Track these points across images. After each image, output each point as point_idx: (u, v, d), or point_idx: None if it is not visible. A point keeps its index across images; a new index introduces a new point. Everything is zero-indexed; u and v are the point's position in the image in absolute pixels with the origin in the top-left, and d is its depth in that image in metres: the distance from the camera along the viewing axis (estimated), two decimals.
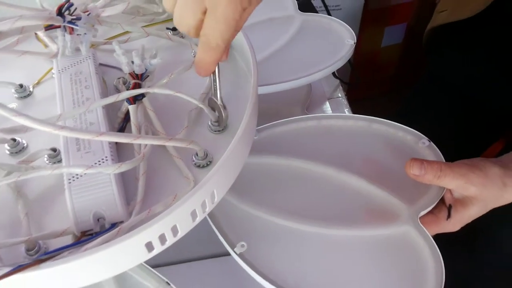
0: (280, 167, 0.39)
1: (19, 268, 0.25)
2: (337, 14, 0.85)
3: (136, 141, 0.29)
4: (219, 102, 0.34)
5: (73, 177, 0.30)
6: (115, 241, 0.26)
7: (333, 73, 0.65)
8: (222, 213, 0.36)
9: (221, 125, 0.34)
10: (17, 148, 0.35)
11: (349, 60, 0.62)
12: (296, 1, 0.57)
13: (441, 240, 0.38)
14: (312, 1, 0.69)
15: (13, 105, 0.39)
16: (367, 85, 0.94)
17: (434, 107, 0.59)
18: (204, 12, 0.28)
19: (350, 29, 0.52)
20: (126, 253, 0.27)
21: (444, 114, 0.57)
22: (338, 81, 0.64)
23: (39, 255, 0.28)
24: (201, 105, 0.34)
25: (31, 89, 0.40)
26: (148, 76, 0.37)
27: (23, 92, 0.40)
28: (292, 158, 0.40)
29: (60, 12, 0.33)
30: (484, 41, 0.57)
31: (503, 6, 0.54)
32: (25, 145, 0.35)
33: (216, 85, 0.34)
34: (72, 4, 0.33)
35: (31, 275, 0.25)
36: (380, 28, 0.97)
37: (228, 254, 0.35)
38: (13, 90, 0.40)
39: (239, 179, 0.32)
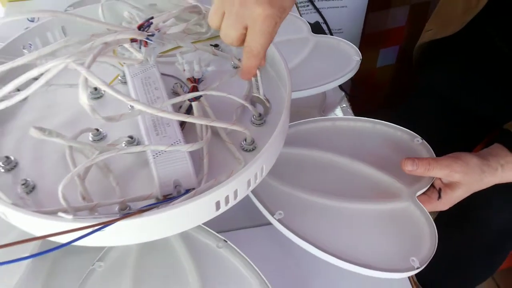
0: (304, 156, 0.49)
1: (128, 214, 0.33)
2: (339, 37, 0.96)
3: (211, 123, 0.38)
4: (262, 97, 0.43)
5: (156, 154, 0.39)
6: (194, 199, 0.35)
7: (339, 86, 0.76)
8: (262, 189, 0.45)
9: (264, 117, 0.43)
10: (99, 137, 0.44)
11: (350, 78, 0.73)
12: (309, 25, 0.67)
13: (436, 223, 0.47)
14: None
15: (91, 103, 0.48)
16: (365, 101, 1.05)
17: (424, 112, 0.69)
18: (245, 28, 0.38)
19: (356, 47, 0.62)
20: (201, 209, 0.36)
21: (433, 119, 0.67)
22: (343, 93, 0.74)
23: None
24: (246, 104, 0.44)
25: (102, 92, 0.49)
26: (203, 81, 0.47)
27: (97, 94, 0.49)
28: (314, 149, 0.49)
29: (140, 29, 0.43)
30: (464, 55, 0.68)
31: (477, 26, 0.65)
32: (105, 134, 0.44)
33: (258, 84, 0.43)
34: (151, 24, 0.43)
35: (135, 221, 0.34)
36: (375, 50, 1.09)
37: (267, 224, 0.44)
38: (89, 92, 0.49)
39: (274, 164, 0.42)
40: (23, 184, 0.39)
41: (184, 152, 0.39)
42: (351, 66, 0.60)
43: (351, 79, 0.90)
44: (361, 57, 0.61)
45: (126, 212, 0.36)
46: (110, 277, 0.40)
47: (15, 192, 0.38)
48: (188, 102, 0.45)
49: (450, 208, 0.48)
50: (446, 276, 0.70)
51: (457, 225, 0.63)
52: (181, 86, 0.49)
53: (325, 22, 0.87)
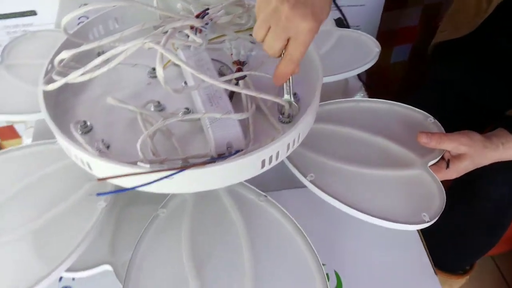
0: (331, 131, 0.57)
1: (193, 165, 0.41)
2: None
3: (260, 95, 0.46)
4: (292, 100, 0.50)
5: (212, 121, 0.47)
6: (244, 156, 0.43)
7: (358, 77, 0.83)
8: (295, 156, 0.53)
9: (293, 117, 0.50)
10: (159, 108, 0.52)
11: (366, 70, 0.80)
12: (334, 20, 0.75)
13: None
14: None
15: (149, 81, 0.56)
16: (379, 93, 1.13)
17: (434, 103, 0.76)
18: (287, 39, 0.43)
19: (375, 40, 0.70)
20: (249, 165, 0.44)
21: (443, 109, 0.75)
22: (361, 83, 0.82)
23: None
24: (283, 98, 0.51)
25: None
26: (246, 64, 0.55)
27: (155, 73, 0.57)
28: (339, 125, 0.57)
29: (198, 18, 0.51)
30: (475, 54, 0.75)
31: (487, 29, 0.72)
32: (164, 106, 0.52)
33: (289, 89, 0.50)
34: (206, 14, 0.51)
35: (197, 171, 0.41)
36: (389, 47, 1.16)
37: (301, 186, 0.52)
38: (147, 71, 0.57)
39: (306, 135, 0.50)
40: (102, 143, 0.47)
41: (235, 120, 0.47)
42: (371, 56, 0.67)
43: (367, 72, 0.98)
44: (380, 49, 0.68)
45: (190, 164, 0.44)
46: (171, 223, 0.48)
47: (95, 148, 0.46)
48: (235, 81, 0.53)
49: (453, 182, 0.55)
50: (449, 247, 0.77)
51: (459, 199, 0.71)
52: (227, 69, 0.57)
53: (345, 19, 0.94)
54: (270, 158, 0.45)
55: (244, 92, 0.46)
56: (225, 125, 0.47)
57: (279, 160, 0.46)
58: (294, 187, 0.55)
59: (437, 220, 0.79)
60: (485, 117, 0.76)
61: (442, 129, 0.57)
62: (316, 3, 0.41)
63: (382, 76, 1.19)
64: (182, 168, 0.41)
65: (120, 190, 0.41)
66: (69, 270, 0.45)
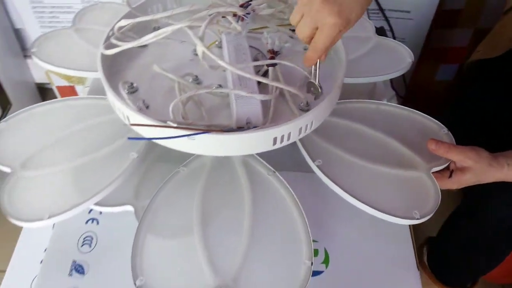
0: (346, 126, 0.61)
1: (213, 130, 0.48)
2: None
3: (281, 86, 0.52)
4: (317, 84, 0.56)
5: (238, 97, 0.53)
6: (258, 131, 0.49)
7: (392, 86, 0.87)
8: (308, 142, 0.58)
9: (316, 97, 0.56)
10: (197, 81, 0.59)
11: (404, 82, 0.84)
12: (374, 27, 0.79)
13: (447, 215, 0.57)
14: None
15: (192, 58, 0.64)
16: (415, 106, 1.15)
17: (460, 121, 0.79)
18: (316, 29, 0.50)
19: (410, 51, 0.73)
20: (262, 140, 0.49)
21: (464, 127, 0.76)
22: (394, 92, 0.85)
23: None
24: (311, 79, 0.57)
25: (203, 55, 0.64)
26: (279, 54, 0.60)
27: (195, 52, 0.64)
28: (356, 123, 0.61)
29: (241, 7, 0.58)
30: (505, 75, 0.76)
31: None
32: (201, 80, 0.59)
33: (316, 73, 0.55)
34: (249, 4, 0.57)
35: (216, 136, 0.48)
36: (436, 64, 1.17)
37: (308, 171, 0.57)
38: (192, 49, 0.64)
39: (321, 126, 0.55)
40: (143, 103, 0.54)
41: (258, 100, 0.53)
42: (403, 66, 0.71)
43: (406, 85, 1.01)
44: (413, 59, 0.72)
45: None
46: (188, 180, 0.55)
47: (136, 106, 0.53)
48: (266, 68, 0.59)
49: (461, 201, 0.58)
50: (451, 262, 0.79)
51: (464, 216, 0.73)
52: (261, 56, 0.63)
53: (391, 30, 0.98)
54: (282, 137, 0.50)
55: (264, 81, 0.52)
56: (248, 103, 0.53)
57: (290, 141, 0.52)
58: (302, 171, 0.60)
59: (442, 234, 0.82)
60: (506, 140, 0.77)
61: (454, 141, 0.60)
62: (346, 3, 0.46)
63: (424, 91, 1.20)
64: (203, 131, 0.47)
65: (144, 138, 0.48)
66: (98, 204, 0.54)
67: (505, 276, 0.96)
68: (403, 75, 1.03)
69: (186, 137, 0.48)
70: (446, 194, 0.55)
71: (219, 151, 0.51)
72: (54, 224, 0.56)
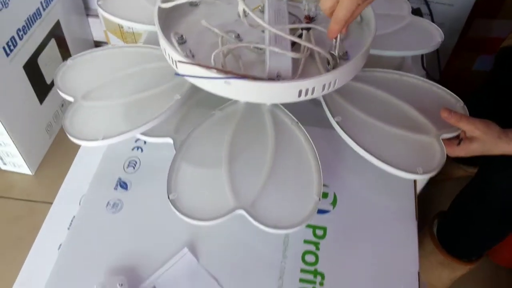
0: (369, 91, 0.67)
1: (246, 76, 0.55)
2: None
3: (311, 46, 0.59)
4: (336, 54, 0.62)
5: (272, 53, 0.60)
6: (286, 82, 0.56)
7: (423, 66, 0.91)
8: (330, 100, 0.64)
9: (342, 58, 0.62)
10: (239, 39, 0.66)
11: (439, 66, 0.88)
12: (410, 7, 0.83)
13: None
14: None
15: (237, 18, 0.71)
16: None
17: (485, 102, 0.82)
18: (337, 2, 0.55)
19: (441, 31, 0.77)
20: (288, 90, 0.56)
21: (491, 109, 0.79)
22: (425, 72, 0.90)
23: None
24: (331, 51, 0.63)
25: (246, 15, 0.71)
26: (315, 20, 0.67)
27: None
28: (379, 89, 0.67)
29: None
30: None
31: None
32: (242, 38, 0.67)
33: (337, 44, 0.61)
34: None
35: (249, 83, 0.55)
36: (475, 54, 1.19)
37: (329, 128, 0.63)
38: (236, 12, 0.72)
39: (343, 86, 0.61)
40: (190, 52, 0.62)
41: (289, 57, 0.60)
42: (431, 44, 0.75)
43: (440, 69, 1.04)
44: (442, 39, 0.76)
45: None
46: (221, 122, 0.63)
47: (184, 54, 0.61)
48: (301, 31, 0.66)
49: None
50: (459, 233, 0.84)
51: (472, 187, 0.77)
52: (298, 22, 0.69)
53: (430, 14, 1.01)
54: (307, 90, 0.57)
55: (297, 41, 0.59)
56: (280, 59, 0.60)
57: (314, 95, 0.58)
58: (322, 127, 0.67)
59: (452, 207, 0.86)
60: None
61: (467, 114, 0.65)
62: None
63: (460, 79, 1.22)
64: (238, 76, 0.55)
65: (189, 75, 0.56)
66: (143, 134, 0.63)
67: None
68: (438, 59, 1.08)
69: (223, 81, 0.55)
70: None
71: (250, 97, 0.58)
72: (106, 147, 0.66)
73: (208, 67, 0.55)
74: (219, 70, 0.55)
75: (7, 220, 1.16)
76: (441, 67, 1.07)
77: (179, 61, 0.56)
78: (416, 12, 0.85)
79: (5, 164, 1.23)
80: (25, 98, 1.14)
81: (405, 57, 0.79)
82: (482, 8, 1.06)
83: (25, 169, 1.23)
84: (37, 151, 1.25)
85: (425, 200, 1.16)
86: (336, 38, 0.60)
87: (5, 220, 1.17)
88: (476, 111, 0.67)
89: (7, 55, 1.04)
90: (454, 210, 0.85)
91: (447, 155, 0.62)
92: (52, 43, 1.21)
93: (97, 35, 1.43)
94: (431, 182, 1.15)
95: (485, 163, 0.74)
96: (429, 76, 0.92)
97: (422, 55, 0.88)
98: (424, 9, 0.99)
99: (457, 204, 0.84)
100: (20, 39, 1.07)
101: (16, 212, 1.17)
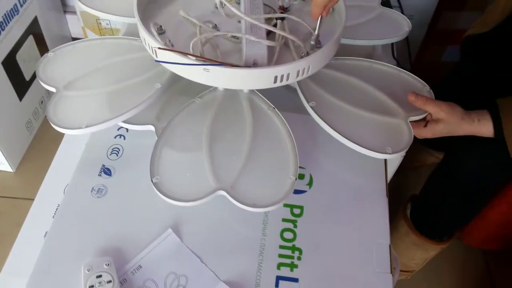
0: (341, 78, 0.71)
1: (223, 63, 0.58)
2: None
3: (284, 34, 0.62)
4: (315, 34, 0.65)
5: (248, 42, 0.63)
6: (261, 68, 0.59)
7: (393, 56, 0.95)
8: (305, 87, 0.68)
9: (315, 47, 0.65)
10: (216, 29, 0.69)
11: (409, 57, 0.92)
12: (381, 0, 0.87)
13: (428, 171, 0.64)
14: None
15: (214, 10, 0.73)
16: None
17: (449, 89, 0.87)
18: None
19: (409, 22, 0.81)
20: (264, 77, 0.59)
21: (454, 95, 0.84)
22: (395, 62, 0.94)
23: None
24: (311, 29, 0.66)
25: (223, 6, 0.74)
26: (288, 11, 0.70)
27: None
28: (350, 76, 0.71)
29: None
30: (499, 47, 0.83)
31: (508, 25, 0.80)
32: (219, 28, 0.69)
33: (317, 25, 0.65)
34: None
35: (225, 70, 0.58)
36: (443, 46, 1.24)
37: (305, 113, 0.66)
38: (214, 4, 0.74)
39: (316, 73, 0.64)
40: (169, 41, 0.65)
41: (265, 45, 0.63)
42: (400, 33, 0.79)
43: (411, 60, 1.08)
44: (410, 29, 0.80)
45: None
46: (201, 108, 0.65)
47: (163, 43, 0.64)
48: (275, 21, 0.69)
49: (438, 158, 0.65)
50: (430, 214, 0.88)
51: (440, 169, 0.82)
52: (273, 12, 0.72)
53: (400, 6, 1.05)
54: (282, 76, 0.60)
55: (272, 29, 0.62)
56: (256, 47, 0.63)
57: (289, 81, 0.61)
58: (298, 113, 0.70)
59: (423, 190, 0.91)
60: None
61: (433, 97, 0.69)
62: None
63: (430, 70, 1.27)
64: (217, 63, 0.58)
65: (169, 62, 0.59)
66: (126, 122, 0.65)
67: (486, 241, 1.05)
68: (408, 51, 1.12)
69: (202, 68, 0.58)
70: None
71: (228, 84, 0.61)
72: (89, 136, 0.67)
73: (187, 54, 0.57)
74: (198, 58, 0.57)
75: None
76: (411, 58, 1.12)
77: (159, 48, 0.58)
78: (385, 3, 0.88)
79: None
80: (4, 94, 1.14)
81: (376, 46, 0.83)
82: (450, 0, 1.11)
83: (6, 166, 1.23)
84: (18, 148, 1.24)
85: (401, 187, 1.21)
86: (318, 19, 0.63)
87: None
88: (443, 99, 0.70)
89: None
90: (425, 193, 0.89)
91: (416, 139, 0.66)
92: (30, 39, 1.21)
93: (75, 32, 1.44)
94: (406, 169, 1.20)
95: (452, 145, 0.78)
96: (400, 66, 0.96)
97: (392, 45, 0.92)
98: (394, 2, 1.03)
99: (428, 186, 0.88)
100: None
101: None
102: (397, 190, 1.22)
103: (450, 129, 0.66)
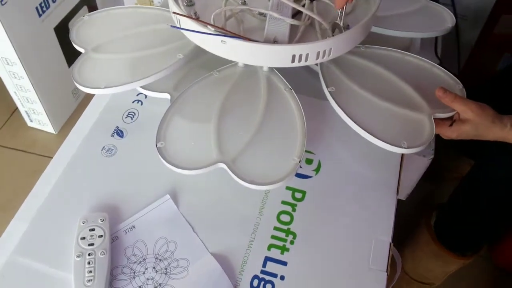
0: (369, 66, 0.67)
1: (242, 37, 0.57)
2: (463, 23, 1.06)
3: (312, 15, 0.60)
4: (340, 24, 0.62)
5: (272, 19, 0.62)
6: (279, 46, 0.57)
7: (436, 54, 0.90)
8: (327, 71, 0.65)
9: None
10: (245, 5, 0.68)
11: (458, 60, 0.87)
12: None
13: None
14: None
15: None
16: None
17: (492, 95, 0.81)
18: None
19: (453, 17, 0.76)
20: (282, 55, 0.58)
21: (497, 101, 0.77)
22: (438, 61, 0.88)
23: None
24: (336, 21, 0.64)
25: None
26: None
27: None
28: (378, 66, 0.67)
29: None
30: None
31: None
32: (248, 4, 0.69)
33: (342, 15, 0.62)
34: None
35: (245, 44, 0.57)
36: (500, 53, 1.16)
37: (323, 99, 0.64)
38: None
39: (341, 59, 0.61)
40: (194, 13, 0.65)
41: (288, 24, 0.61)
42: (441, 29, 0.75)
43: (459, 63, 1.02)
44: (453, 25, 0.75)
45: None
46: (218, 81, 0.65)
47: (188, 13, 0.64)
48: (305, 1, 0.67)
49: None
50: (454, 226, 0.83)
51: (470, 180, 0.76)
52: None
53: (453, 5, 0.99)
54: (300, 56, 0.58)
55: (297, 7, 0.61)
56: (279, 25, 0.62)
57: (308, 62, 0.59)
58: (317, 98, 0.68)
59: (450, 199, 0.85)
60: None
61: (465, 95, 0.64)
62: None
63: (480, 77, 1.19)
64: (234, 35, 0.57)
65: (184, 28, 0.59)
66: (144, 87, 0.66)
67: None
68: (458, 53, 1.05)
69: (219, 40, 0.57)
70: None
71: (245, 59, 0.60)
72: (109, 98, 0.69)
73: (206, 23, 0.57)
74: (216, 28, 0.57)
75: (26, 174, 1.23)
76: (460, 61, 1.05)
77: (173, 12, 0.58)
78: None
79: (31, 121, 1.30)
80: (54, 59, 1.21)
81: (414, 40, 0.79)
82: (508, 4, 1.03)
83: (49, 128, 1.30)
84: (62, 112, 1.31)
85: (435, 197, 1.15)
86: (342, 8, 0.61)
87: (24, 173, 1.24)
88: (479, 100, 0.65)
89: (40, 15, 1.10)
90: (451, 202, 0.84)
91: (453, 147, 0.61)
92: (84, 9, 1.27)
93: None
94: (445, 180, 1.13)
95: (482, 154, 0.73)
96: (443, 67, 0.91)
97: (436, 42, 0.86)
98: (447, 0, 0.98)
99: (454, 195, 0.83)
100: (53, 1, 1.13)
101: (36, 167, 1.24)
102: (429, 199, 1.16)
103: (478, 132, 0.61)
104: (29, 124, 1.32)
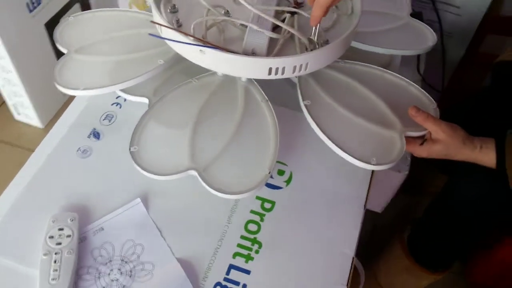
0: (345, 82, 0.68)
1: (218, 47, 0.58)
2: (449, 40, 1.07)
3: (288, 28, 0.61)
4: (314, 40, 0.63)
5: (251, 31, 0.63)
6: (256, 58, 0.58)
7: (418, 70, 0.91)
8: (304, 84, 0.66)
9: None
10: (227, 14, 0.69)
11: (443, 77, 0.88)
12: (411, 10, 0.84)
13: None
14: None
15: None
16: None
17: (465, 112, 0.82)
18: None
19: (435, 36, 0.78)
20: (259, 67, 0.59)
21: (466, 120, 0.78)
22: (420, 77, 0.90)
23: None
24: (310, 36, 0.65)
25: None
26: (302, 6, 0.69)
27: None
28: (355, 81, 0.68)
29: None
30: None
31: None
32: (230, 15, 0.70)
33: (317, 30, 0.63)
34: None
35: (221, 54, 0.58)
36: (485, 70, 1.17)
37: (298, 110, 0.65)
38: None
39: (320, 73, 0.62)
40: (177, 21, 0.66)
41: (266, 36, 0.62)
42: (421, 48, 0.76)
43: (443, 81, 1.04)
44: (435, 43, 0.76)
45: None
46: (196, 90, 0.66)
47: (170, 19, 0.65)
48: (286, 14, 0.68)
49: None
50: (427, 242, 0.84)
51: (442, 198, 0.77)
52: (287, 4, 0.71)
53: (439, 22, 1.00)
54: (277, 69, 0.59)
55: (276, 22, 0.62)
56: (258, 37, 0.63)
57: (285, 75, 0.60)
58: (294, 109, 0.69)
59: (423, 215, 0.86)
60: None
61: (438, 116, 0.65)
62: None
63: (464, 95, 1.21)
64: (211, 46, 0.58)
65: (162, 37, 0.60)
66: (123, 91, 0.67)
67: (489, 279, 0.98)
68: (443, 69, 1.07)
69: (197, 49, 0.58)
70: None
71: (223, 69, 0.61)
72: (88, 99, 0.70)
73: (184, 33, 0.58)
74: (195, 38, 0.58)
75: (13, 166, 1.23)
76: (444, 78, 1.07)
77: (152, 22, 0.59)
78: (416, 15, 0.85)
79: (19, 114, 1.30)
80: (43, 54, 1.21)
81: (394, 57, 0.80)
82: (498, 24, 1.04)
83: (36, 122, 1.30)
84: (50, 107, 1.31)
85: (411, 211, 1.17)
86: (316, 25, 0.62)
87: (10, 166, 1.24)
88: (454, 120, 0.66)
89: (30, 11, 1.11)
90: (423, 217, 0.85)
91: (426, 161, 0.62)
92: (76, 7, 1.27)
93: (122, 6, 1.49)
94: (422, 194, 1.14)
95: (454, 173, 0.74)
96: (426, 83, 0.92)
97: (418, 60, 0.88)
98: (431, 16, 0.99)
99: (428, 212, 0.84)
100: None
101: (21, 159, 1.24)
102: (406, 212, 1.17)
103: (449, 152, 0.63)
104: (16, 117, 1.32)
